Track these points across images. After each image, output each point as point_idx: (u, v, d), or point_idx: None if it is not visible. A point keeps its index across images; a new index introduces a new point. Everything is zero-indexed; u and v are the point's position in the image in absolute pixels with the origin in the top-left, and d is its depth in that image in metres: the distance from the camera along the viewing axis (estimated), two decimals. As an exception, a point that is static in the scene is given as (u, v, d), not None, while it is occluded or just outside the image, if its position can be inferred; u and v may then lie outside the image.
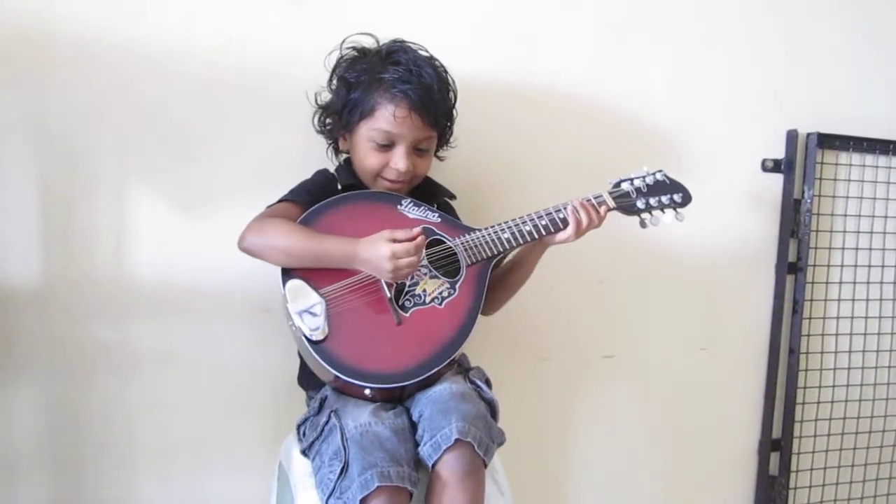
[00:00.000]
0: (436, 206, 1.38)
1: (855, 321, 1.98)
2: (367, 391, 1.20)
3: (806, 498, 1.96)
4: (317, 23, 1.50)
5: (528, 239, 1.33)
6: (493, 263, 1.34)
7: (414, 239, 1.22)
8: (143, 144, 1.44)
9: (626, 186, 1.40)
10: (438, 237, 1.32)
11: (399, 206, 1.33)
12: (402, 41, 1.36)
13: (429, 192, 1.41)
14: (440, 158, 1.46)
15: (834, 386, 1.97)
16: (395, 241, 1.21)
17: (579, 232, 1.34)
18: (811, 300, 1.92)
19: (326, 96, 1.41)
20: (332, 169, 1.44)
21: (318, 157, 1.46)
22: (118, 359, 1.46)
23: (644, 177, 1.41)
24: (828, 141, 1.89)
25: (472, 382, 1.28)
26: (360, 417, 1.17)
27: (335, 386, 1.25)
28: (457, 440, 1.13)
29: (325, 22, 1.49)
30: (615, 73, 1.73)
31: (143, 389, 1.48)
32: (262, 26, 1.49)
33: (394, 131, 1.31)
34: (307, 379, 1.38)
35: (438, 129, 1.37)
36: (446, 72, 1.38)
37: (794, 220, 1.88)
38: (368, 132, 1.32)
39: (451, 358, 1.25)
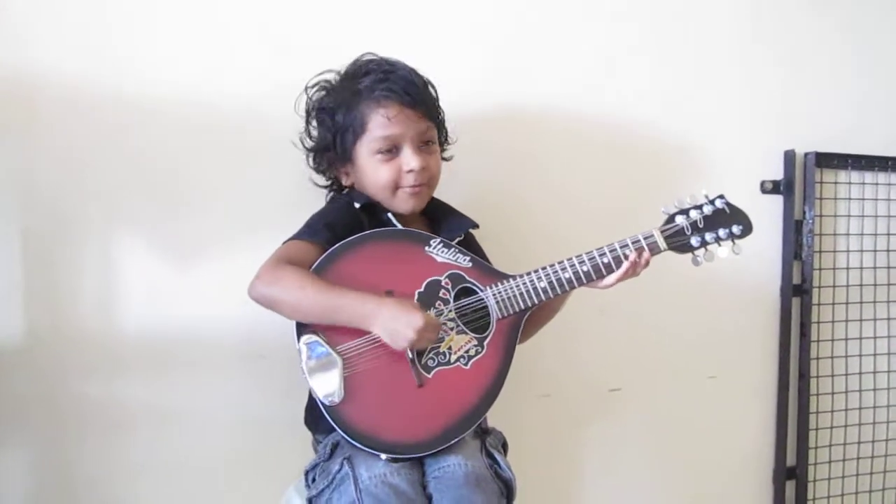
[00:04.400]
0: (462, 235, 1.31)
1: (864, 342, 1.94)
2: (383, 457, 1.14)
3: (824, 526, 1.90)
4: (304, 65, 1.47)
5: (567, 288, 1.23)
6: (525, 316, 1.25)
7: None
8: (129, 195, 1.42)
9: (680, 221, 1.25)
10: (469, 285, 1.23)
11: (427, 248, 1.23)
12: (363, 55, 1.32)
13: (451, 222, 1.34)
14: (445, 158, 1.40)
15: (846, 410, 1.92)
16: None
17: (623, 279, 1.24)
18: (818, 322, 1.88)
19: (308, 144, 1.38)
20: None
21: (309, 198, 1.42)
22: (111, 416, 1.41)
23: (702, 207, 1.25)
24: (826, 160, 1.87)
25: (489, 454, 1.21)
26: (374, 467, 1.12)
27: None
28: None
29: (315, 64, 1.46)
30: (611, 98, 1.72)
31: (138, 446, 1.43)
32: (247, 72, 1.47)
33: (394, 133, 1.24)
34: (315, 421, 1.30)
35: (433, 119, 1.30)
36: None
37: (797, 242, 1.85)
38: (369, 146, 1.25)
39: (475, 426, 1.20)
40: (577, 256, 1.24)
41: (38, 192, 1.37)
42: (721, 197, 1.27)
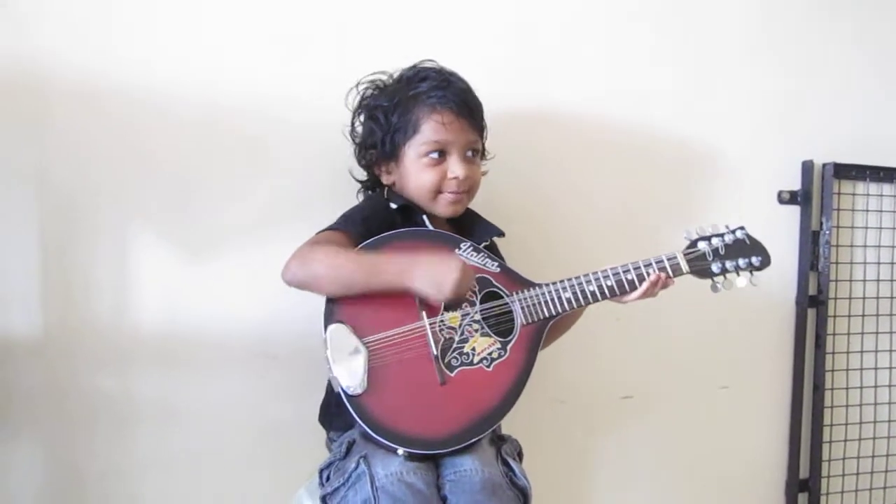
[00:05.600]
0: (488, 240, 1.33)
1: (879, 355, 1.92)
2: (400, 451, 1.13)
3: (836, 540, 1.89)
4: (318, 65, 1.48)
5: (591, 300, 1.26)
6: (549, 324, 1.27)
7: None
8: (144, 190, 1.41)
9: (703, 247, 1.29)
10: (495, 290, 1.25)
11: (458, 251, 1.25)
12: (422, 61, 1.34)
13: (478, 229, 1.35)
14: (482, 172, 1.40)
15: (861, 423, 1.90)
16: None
17: (643, 297, 1.27)
18: (834, 334, 1.87)
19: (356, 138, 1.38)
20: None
21: (327, 197, 1.42)
22: (122, 411, 1.41)
23: (723, 235, 1.30)
24: (844, 171, 1.86)
25: (505, 462, 1.21)
26: (390, 465, 1.12)
27: (365, 437, 1.18)
28: None
29: (327, 64, 1.47)
30: (631, 105, 1.71)
31: (149, 442, 1.43)
32: (263, 70, 1.47)
33: (445, 139, 1.27)
34: (331, 419, 1.31)
35: (480, 133, 1.34)
36: None
37: (814, 253, 1.84)
38: (418, 149, 1.28)
39: (493, 427, 1.20)
40: (602, 271, 1.27)
41: (52, 188, 1.37)
42: (742, 228, 1.32)
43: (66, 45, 1.37)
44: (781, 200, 1.84)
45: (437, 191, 1.29)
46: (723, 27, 1.79)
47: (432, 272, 1.15)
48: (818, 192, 1.85)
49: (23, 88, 1.34)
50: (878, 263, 1.92)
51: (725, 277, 1.29)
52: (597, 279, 1.26)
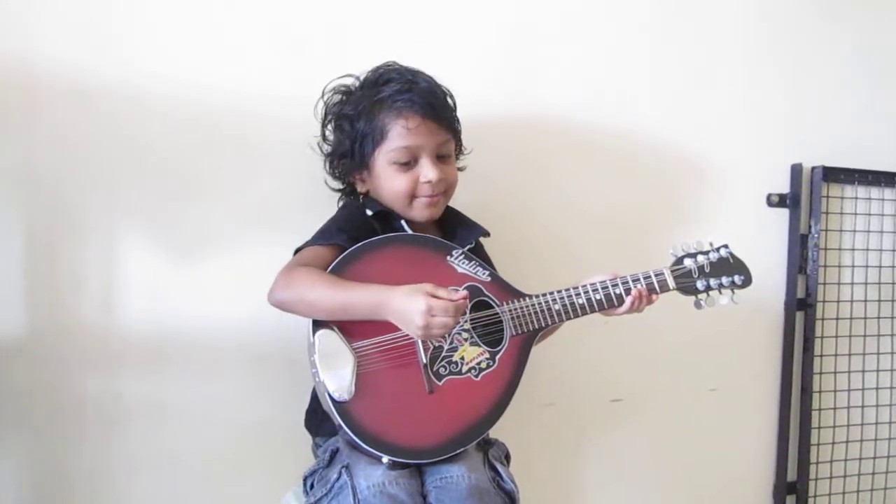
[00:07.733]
0: (472, 243, 1.32)
1: (867, 358, 1.93)
2: (385, 459, 1.13)
3: (824, 542, 1.89)
4: (312, 65, 1.47)
5: (580, 313, 1.27)
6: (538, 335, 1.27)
7: (456, 301, 1.12)
8: (134, 189, 1.40)
9: (688, 264, 1.31)
10: (486, 299, 1.25)
11: (449, 258, 1.24)
12: (385, 63, 1.32)
13: (462, 230, 1.34)
14: (459, 168, 1.39)
15: (848, 425, 1.91)
16: (434, 296, 1.11)
17: (629, 312, 1.29)
18: (822, 337, 1.87)
19: (325, 148, 1.37)
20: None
21: (317, 197, 1.42)
22: (110, 412, 1.40)
23: (708, 253, 1.32)
24: (833, 174, 1.86)
25: (492, 467, 1.20)
26: (373, 476, 1.11)
27: (350, 443, 1.17)
28: None
29: (321, 64, 1.46)
30: (619, 108, 1.71)
31: (135, 443, 1.42)
32: (256, 69, 1.46)
33: (413, 144, 1.25)
34: (316, 424, 1.30)
35: (451, 131, 1.31)
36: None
37: (802, 256, 1.85)
38: (387, 156, 1.26)
39: (479, 438, 1.19)
40: (591, 284, 1.28)
41: (39, 185, 1.36)
42: (725, 246, 1.34)
43: (54, 43, 1.35)
44: (770, 203, 1.85)
45: (412, 196, 1.27)
46: (712, 31, 1.79)
47: (401, 311, 1.12)
48: (807, 195, 1.86)
49: (11, 85, 1.33)
50: (866, 267, 1.92)
51: (709, 295, 1.32)
52: (586, 292, 1.27)
